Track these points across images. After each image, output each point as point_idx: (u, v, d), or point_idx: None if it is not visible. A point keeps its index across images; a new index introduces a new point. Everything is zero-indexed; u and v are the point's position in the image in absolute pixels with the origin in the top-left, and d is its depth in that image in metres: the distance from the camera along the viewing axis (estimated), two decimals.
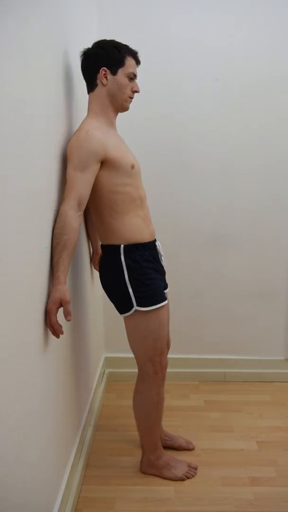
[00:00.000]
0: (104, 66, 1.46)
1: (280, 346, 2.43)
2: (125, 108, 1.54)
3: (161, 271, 1.62)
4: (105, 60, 1.46)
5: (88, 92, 1.52)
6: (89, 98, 1.52)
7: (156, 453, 1.68)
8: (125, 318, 1.56)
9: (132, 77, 1.50)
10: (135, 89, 1.52)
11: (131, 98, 1.53)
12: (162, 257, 1.64)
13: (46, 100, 1.22)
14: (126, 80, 1.49)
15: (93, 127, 1.42)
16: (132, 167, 1.50)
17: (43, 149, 1.19)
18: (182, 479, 1.65)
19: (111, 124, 1.54)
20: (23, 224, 1.01)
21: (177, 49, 2.16)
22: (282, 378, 2.42)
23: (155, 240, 1.62)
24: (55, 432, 1.33)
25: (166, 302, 1.58)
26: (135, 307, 1.50)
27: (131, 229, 1.51)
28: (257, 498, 1.56)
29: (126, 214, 1.50)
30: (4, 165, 0.89)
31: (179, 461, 1.70)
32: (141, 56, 1.55)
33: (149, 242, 1.57)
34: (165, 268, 1.65)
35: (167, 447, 1.79)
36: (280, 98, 2.19)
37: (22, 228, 1.01)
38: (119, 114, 1.58)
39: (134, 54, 1.51)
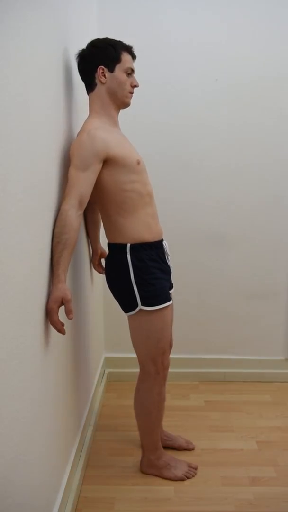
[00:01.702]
0: (101, 65, 1.45)
1: (280, 346, 2.43)
2: (126, 104, 1.54)
3: (167, 271, 1.61)
4: (102, 59, 1.46)
5: (88, 93, 1.52)
6: (89, 98, 1.52)
7: (157, 453, 1.68)
8: (129, 317, 1.56)
9: (130, 72, 1.50)
10: (134, 83, 1.52)
11: (131, 93, 1.53)
12: (169, 257, 1.64)
13: (46, 99, 1.22)
14: (124, 76, 1.48)
15: (95, 127, 1.42)
16: (138, 163, 1.50)
17: (43, 149, 1.19)
18: (182, 479, 1.65)
19: (114, 122, 1.53)
20: (23, 224, 1.01)
21: (177, 49, 2.16)
22: (282, 378, 2.42)
23: (162, 240, 1.61)
24: (55, 432, 1.33)
25: (170, 302, 1.58)
26: (140, 306, 1.50)
27: (139, 228, 1.51)
28: (257, 498, 1.56)
29: (135, 212, 1.50)
30: (4, 165, 0.89)
31: (179, 461, 1.70)
32: (141, 57, 1.55)
33: (156, 242, 1.56)
34: (171, 268, 1.65)
35: (167, 447, 1.79)
36: (281, 97, 2.20)
37: (22, 228, 1.00)
38: (120, 114, 1.57)
39: (129, 49, 1.50)
